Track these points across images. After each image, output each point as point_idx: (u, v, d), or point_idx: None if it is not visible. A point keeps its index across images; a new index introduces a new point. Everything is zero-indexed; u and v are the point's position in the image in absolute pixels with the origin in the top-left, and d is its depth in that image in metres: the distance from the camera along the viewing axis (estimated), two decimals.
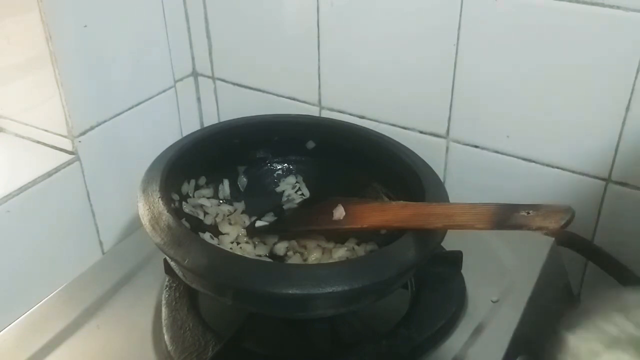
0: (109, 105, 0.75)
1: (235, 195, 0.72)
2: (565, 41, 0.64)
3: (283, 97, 0.83)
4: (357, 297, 0.54)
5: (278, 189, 0.74)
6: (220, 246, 0.65)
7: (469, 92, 0.71)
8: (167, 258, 0.59)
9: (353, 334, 0.60)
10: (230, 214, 0.70)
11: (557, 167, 0.70)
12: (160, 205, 0.58)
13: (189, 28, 0.85)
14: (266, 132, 0.73)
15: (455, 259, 0.65)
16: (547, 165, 0.70)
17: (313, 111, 0.82)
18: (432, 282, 0.64)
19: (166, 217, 0.57)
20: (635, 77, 0.62)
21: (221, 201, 0.71)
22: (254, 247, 0.67)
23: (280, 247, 0.67)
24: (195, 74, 0.89)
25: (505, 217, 0.52)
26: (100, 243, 0.78)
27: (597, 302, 0.41)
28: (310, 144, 0.73)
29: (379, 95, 0.77)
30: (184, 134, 0.79)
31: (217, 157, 0.70)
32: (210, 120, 0.91)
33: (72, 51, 0.69)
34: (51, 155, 0.72)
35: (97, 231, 0.77)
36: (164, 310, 0.64)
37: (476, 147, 0.74)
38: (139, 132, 0.80)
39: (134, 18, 0.76)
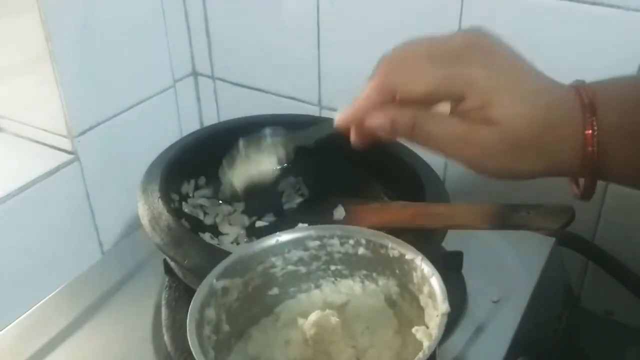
0: (108, 105, 0.75)
1: (235, 196, 0.72)
2: (566, 41, 0.64)
3: (283, 96, 0.83)
4: None
5: (278, 189, 0.74)
6: (220, 246, 0.65)
7: None
8: (167, 258, 0.59)
9: None
10: (230, 214, 0.70)
11: None
12: (160, 206, 0.58)
13: (188, 27, 0.85)
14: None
15: (455, 259, 0.65)
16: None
17: (313, 111, 0.82)
18: None
19: (166, 217, 0.57)
20: None
21: (221, 201, 0.71)
22: None
23: None
24: (195, 74, 0.89)
25: (506, 217, 0.52)
26: (100, 243, 0.78)
27: None
28: (310, 144, 0.73)
29: None
30: (184, 134, 0.79)
31: (217, 157, 0.70)
32: (210, 120, 0.91)
33: (71, 51, 0.69)
34: (50, 155, 0.72)
35: (97, 231, 0.77)
36: (163, 310, 0.63)
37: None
38: (138, 131, 0.79)
39: (134, 17, 0.76)
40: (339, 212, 0.64)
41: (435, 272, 0.42)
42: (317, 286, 0.49)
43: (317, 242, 0.47)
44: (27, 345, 0.63)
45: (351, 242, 0.46)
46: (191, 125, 0.89)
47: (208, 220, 0.68)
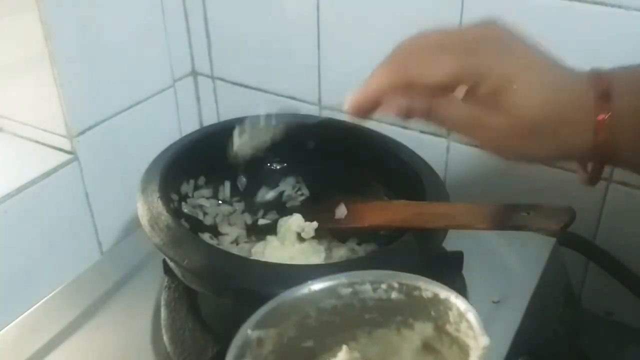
0: (107, 104, 0.75)
1: (235, 196, 0.72)
2: (567, 41, 0.63)
3: (283, 96, 0.83)
4: None
5: (278, 189, 0.73)
6: (220, 247, 0.65)
7: None
8: (166, 258, 0.59)
9: None
10: (230, 214, 0.70)
11: (559, 167, 0.70)
12: (159, 206, 0.58)
13: (188, 27, 0.85)
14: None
15: (456, 260, 0.65)
16: (548, 165, 0.70)
17: (313, 110, 0.82)
18: None
19: (165, 217, 0.56)
20: None
21: (220, 201, 0.71)
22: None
23: None
24: (194, 73, 0.89)
25: (506, 217, 0.52)
26: (99, 243, 0.78)
27: None
28: (310, 144, 0.73)
29: None
30: (183, 134, 0.79)
31: (217, 157, 0.70)
32: (210, 119, 0.91)
33: (70, 50, 0.69)
34: (49, 154, 0.72)
35: (96, 231, 0.77)
36: (163, 311, 0.63)
37: (477, 147, 0.73)
38: (138, 131, 0.79)
39: (133, 17, 0.76)
40: (341, 211, 0.64)
41: (471, 308, 0.40)
42: (353, 338, 0.46)
43: (349, 290, 0.44)
44: (26, 345, 0.63)
45: (383, 286, 0.44)
46: (191, 125, 0.89)
47: (208, 221, 0.68)
